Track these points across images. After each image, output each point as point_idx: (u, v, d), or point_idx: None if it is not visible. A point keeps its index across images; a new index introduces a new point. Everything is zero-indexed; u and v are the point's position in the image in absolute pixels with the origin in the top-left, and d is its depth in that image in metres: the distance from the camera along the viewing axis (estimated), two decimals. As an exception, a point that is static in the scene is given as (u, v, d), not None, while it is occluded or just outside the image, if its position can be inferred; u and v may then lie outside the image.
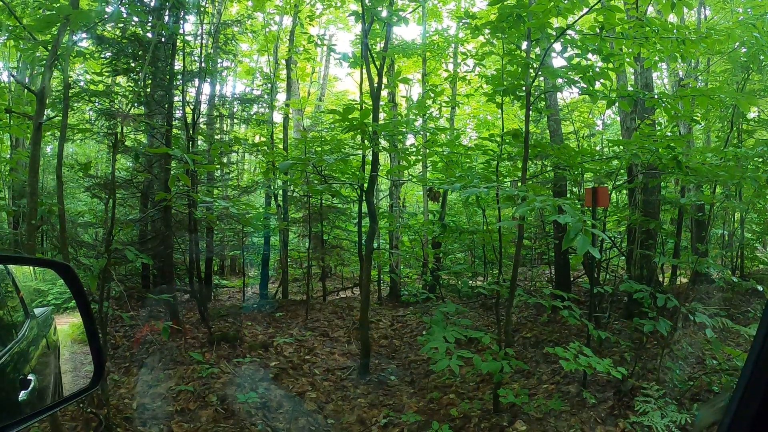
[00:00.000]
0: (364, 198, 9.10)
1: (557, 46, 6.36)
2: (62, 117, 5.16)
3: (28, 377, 2.45)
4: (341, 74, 26.71)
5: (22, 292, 3.08)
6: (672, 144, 6.44)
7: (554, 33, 6.11)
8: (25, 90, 11.71)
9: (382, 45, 10.80)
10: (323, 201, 13.43)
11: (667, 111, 6.06)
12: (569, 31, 5.91)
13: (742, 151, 7.84)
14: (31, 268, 3.51)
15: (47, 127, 8.59)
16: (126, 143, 10.75)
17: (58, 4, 5.01)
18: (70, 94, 6.41)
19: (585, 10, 5.45)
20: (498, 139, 9.76)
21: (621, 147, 7.65)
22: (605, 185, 8.86)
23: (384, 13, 10.02)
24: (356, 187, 10.01)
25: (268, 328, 10.16)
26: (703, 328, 5.55)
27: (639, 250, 8.22)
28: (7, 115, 9.92)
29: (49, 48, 4.82)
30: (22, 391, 2.29)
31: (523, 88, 7.23)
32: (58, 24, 4.76)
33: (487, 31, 8.27)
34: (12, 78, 11.43)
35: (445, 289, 13.44)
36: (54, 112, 8.36)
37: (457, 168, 10.43)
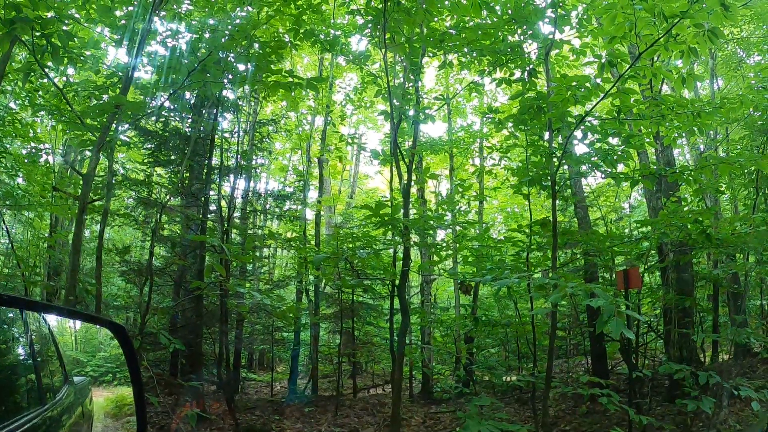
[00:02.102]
0: (395, 293, 9.12)
1: (578, 133, 6.58)
2: (105, 201, 5.48)
3: (63, 438, 2.47)
4: (371, 172, 27.53)
5: (63, 358, 3.17)
6: (699, 218, 6.44)
7: (574, 120, 6.35)
8: (68, 171, 12.47)
9: (411, 143, 11.21)
10: (354, 297, 13.44)
11: (690, 184, 6.14)
12: (588, 118, 6.15)
13: (769, 215, 7.73)
14: (74, 337, 3.62)
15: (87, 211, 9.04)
16: (163, 232, 11.14)
17: (107, 95, 5.48)
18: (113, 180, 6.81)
19: (601, 96, 5.70)
20: (526, 229, 9.86)
21: (649, 227, 7.65)
22: (636, 266, 8.78)
23: (411, 112, 10.53)
24: (387, 282, 10.05)
25: (296, 423, 9.91)
26: (749, 403, 5.29)
27: (677, 330, 7.96)
28: (49, 193, 10.50)
29: (97, 135, 5.22)
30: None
31: (548, 177, 7.41)
32: (107, 113, 5.19)
33: (510, 124, 8.62)
34: (62, 159, 12.18)
35: (479, 384, 13.03)
36: (95, 197, 8.82)
37: (487, 261, 10.47)
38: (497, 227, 20.92)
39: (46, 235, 13.00)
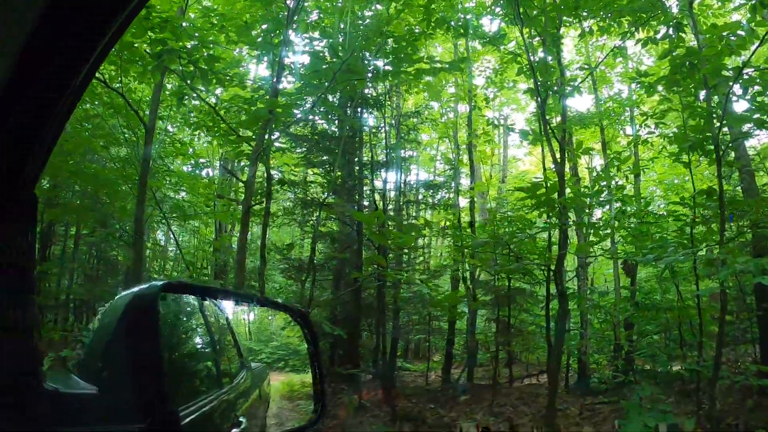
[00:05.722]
0: (552, 278, 8.92)
1: (737, 89, 6.02)
2: (265, 203, 6.04)
3: (240, 419, 2.68)
4: (520, 154, 26.83)
5: (240, 346, 3.55)
6: None
7: (731, 74, 5.81)
8: (228, 180, 13.85)
9: (559, 119, 10.83)
10: (511, 283, 13.17)
11: None
12: (746, 69, 5.60)
13: None
14: (248, 328, 4.00)
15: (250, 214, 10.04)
16: (321, 229, 11.93)
17: (255, 107, 6.04)
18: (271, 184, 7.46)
19: (756, 43, 5.18)
20: (690, 202, 9.10)
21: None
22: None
23: (556, 87, 10.14)
24: (543, 267, 9.81)
25: (450, 411, 10.04)
26: None
27: None
28: (212, 203, 11.70)
29: (252, 144, 5.78)
30: (234, 429, 2.53)
31: (710, 141, 6.91)
32: (260, 123, 5.72)
33: (660, 87, 8.08)
34: (224, 170, 13.59)
35: (639, 374, 12.17)
36: (256, 201, 9.75)
37: (647, 240, 9.83)
38: (656, 202, 19.37)
39: (212, 239, 14.49)
